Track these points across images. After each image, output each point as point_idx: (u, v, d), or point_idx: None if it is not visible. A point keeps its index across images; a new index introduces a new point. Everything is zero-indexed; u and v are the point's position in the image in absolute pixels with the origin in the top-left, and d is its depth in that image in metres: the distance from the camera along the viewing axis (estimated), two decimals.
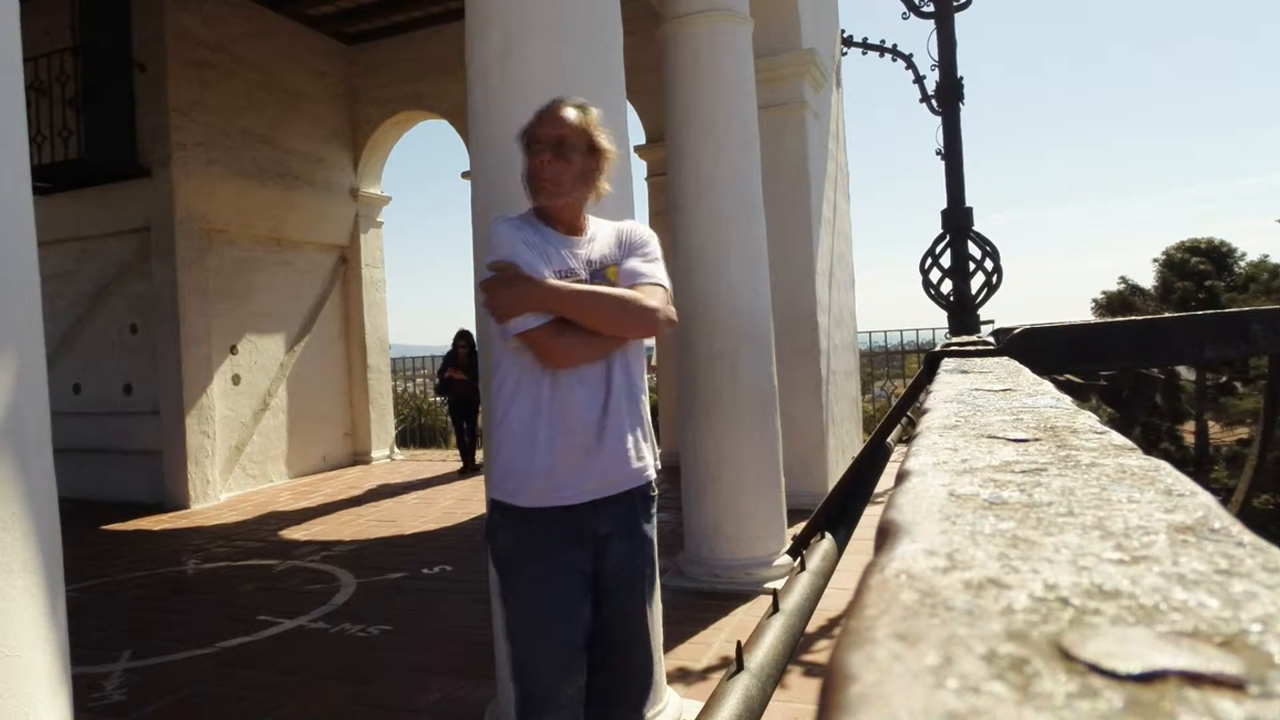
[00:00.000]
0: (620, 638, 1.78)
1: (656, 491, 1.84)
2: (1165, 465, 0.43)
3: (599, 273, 1.75)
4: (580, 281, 1.71)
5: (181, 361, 7.04)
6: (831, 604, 2.55)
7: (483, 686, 3.03)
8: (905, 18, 4.45)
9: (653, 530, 1.83)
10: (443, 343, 9.03)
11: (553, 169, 1.74)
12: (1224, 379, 17.13)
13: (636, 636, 1.80)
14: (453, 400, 8.66)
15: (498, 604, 1.94)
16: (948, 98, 4.03)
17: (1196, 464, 16.38)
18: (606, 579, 1.75)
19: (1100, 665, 0.21)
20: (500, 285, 1.65)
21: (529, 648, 1.69)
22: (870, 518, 0.96)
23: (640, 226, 1.89)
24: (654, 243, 1.86)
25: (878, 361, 10.54)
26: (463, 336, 8.51)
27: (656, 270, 1.80)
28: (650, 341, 2.15)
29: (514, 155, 2.50)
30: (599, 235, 1.82)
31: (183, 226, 7.12)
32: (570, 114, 1.77)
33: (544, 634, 1.68)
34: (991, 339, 1.95)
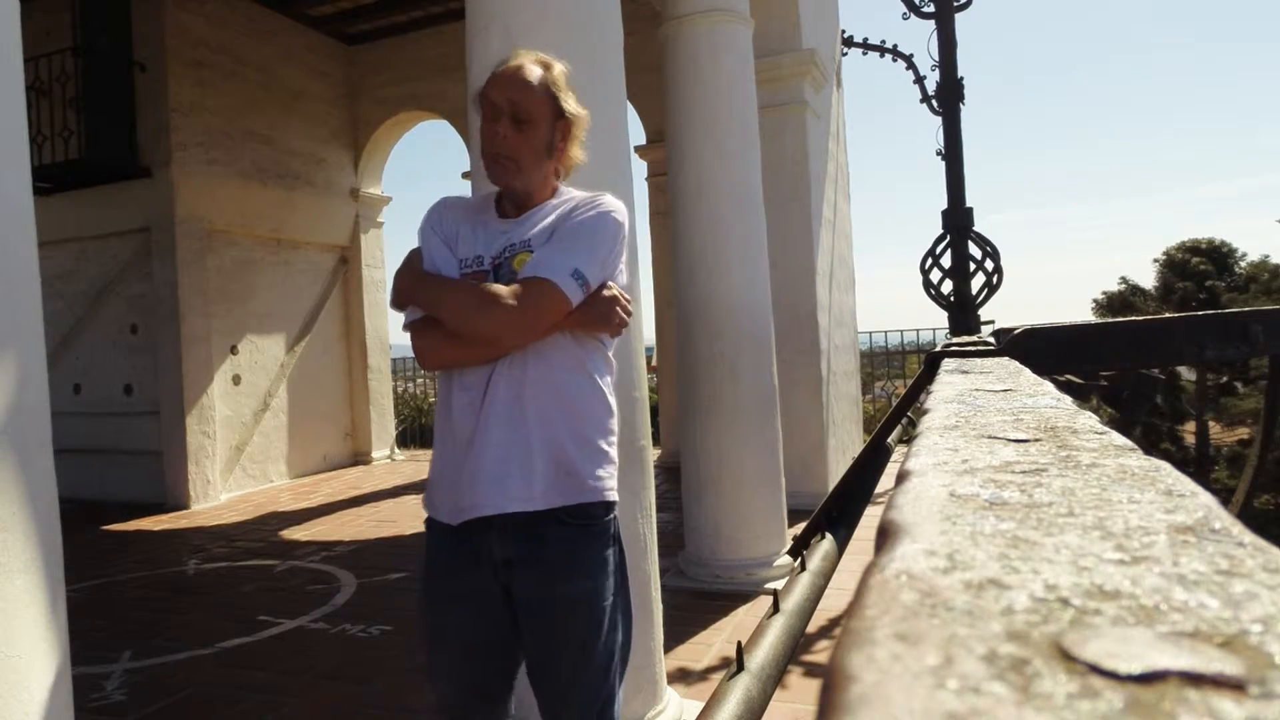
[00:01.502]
0: (546, 686, 1.49)
1: (605, 524, 1.49)
2: (1166, 466, 0.43)
3: (505, 262, 1.47)
4: (480, 273, 1.47)
5: (182, 361, 7.05)
6: (832, 604, 2.55)
7: None
8: (905, 18, 4.45)
9: (586, 561, 1.46)
10: None
11: (510, 142, 1.48)
12: (1224, 379, 17.13)
13: (562, 689, 1.48)
14: None
15: None
16: (948, 98, 4.03)
17: (1197, 464, 16.37)
18: (521, 615, 1.48)
19: (1101, 666, 0.21)
20: (397, 275, 1.54)
21: (431, 666, 1.57)
22: (870, 518, 0.96)
23: (599, 205, 1.51)
24: (599, 231, 1.48)
25: (878, 361, 10.53)
26: None
27: (561, 262, 1.42)
28: (650, 340, 2.02)
29: None
30: (543, 213, 1.51)
31: (183, 227, 7.12)
32: (533, 73, 1.49)
33: (432, 647, 1.55)
34: (992, 339, 1.95)
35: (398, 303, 1.52)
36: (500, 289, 1.40)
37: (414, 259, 1.54)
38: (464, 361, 1.46)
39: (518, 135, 1.48)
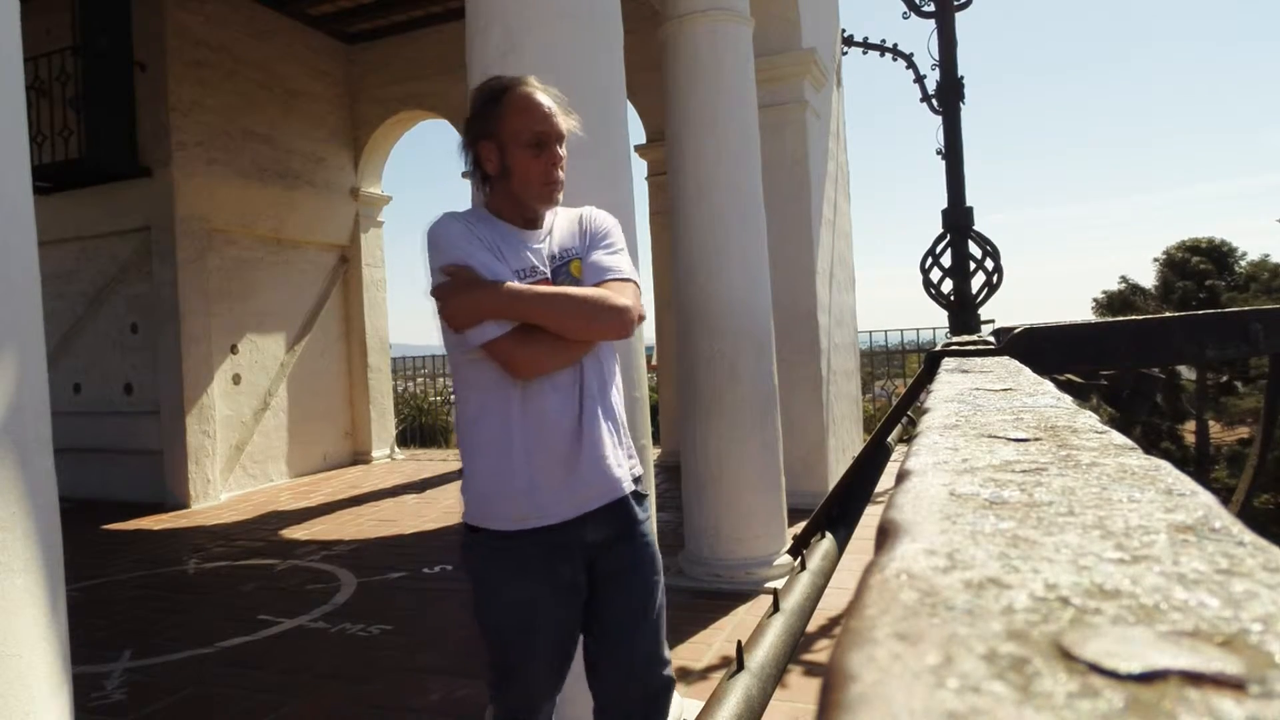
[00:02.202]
0: (634, 646, 1.63)
1: (647, 490, 1.73)
2: (1166, 465, 0.43)
3: (562, 268, 1.60)
4: (542, 280, 1.57)
5: (182, 361, 7.05)
6: (832, 604, 2.55)
7: (483, 686, 3.03)
8: (906, 17, 4.45)
9: (651, 528, 1.71)
10: (438, 341, 9.08)
11: (558, 170, 1.59)
12: (1225, 378, 17.13)
13: (652, 643, 1.66)
14: None
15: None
16: (948, 97, 4.03)
17: (1197, 463, 16.37)
18: (609, 588, 1.62)
19: (1101, 665, 0.21)
20: (455, 292, 1.50)
21: (507, 667, 1.59)
22: (870, 517, 0.96)
23: (599, 214, 1.73)
24: (616, 231, 1.70)
25: (878, 361, 10.54)
26: None
27: (622, 263, 1.64)
28: (650, 340, 2.05)
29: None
30: (557, 226, 1.66)
31: (183, 226, 7.12)
32: (551, 102, 1.61)
33: (523, 654, 1.57)
34: (992, 338, 1.95)
35: (467, 321, 1.49)
36: (602, 292, 1.55)
37: (470, 274, 1.51)
38: (565, 364, 1.54)
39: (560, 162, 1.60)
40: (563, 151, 1.60)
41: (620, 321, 1.54)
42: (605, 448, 1.58)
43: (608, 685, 1.65)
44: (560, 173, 1.59)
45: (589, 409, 1.57)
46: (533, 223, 1.63)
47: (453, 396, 9.86)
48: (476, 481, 1.57)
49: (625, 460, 1.63)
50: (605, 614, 1.63)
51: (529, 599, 1.55)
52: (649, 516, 1.70)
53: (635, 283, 1.62)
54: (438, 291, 1.53)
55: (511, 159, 1.57)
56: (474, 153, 1.63)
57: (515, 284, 1.53)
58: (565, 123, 1.60)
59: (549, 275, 1.58)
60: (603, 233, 1.67)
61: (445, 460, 9.44)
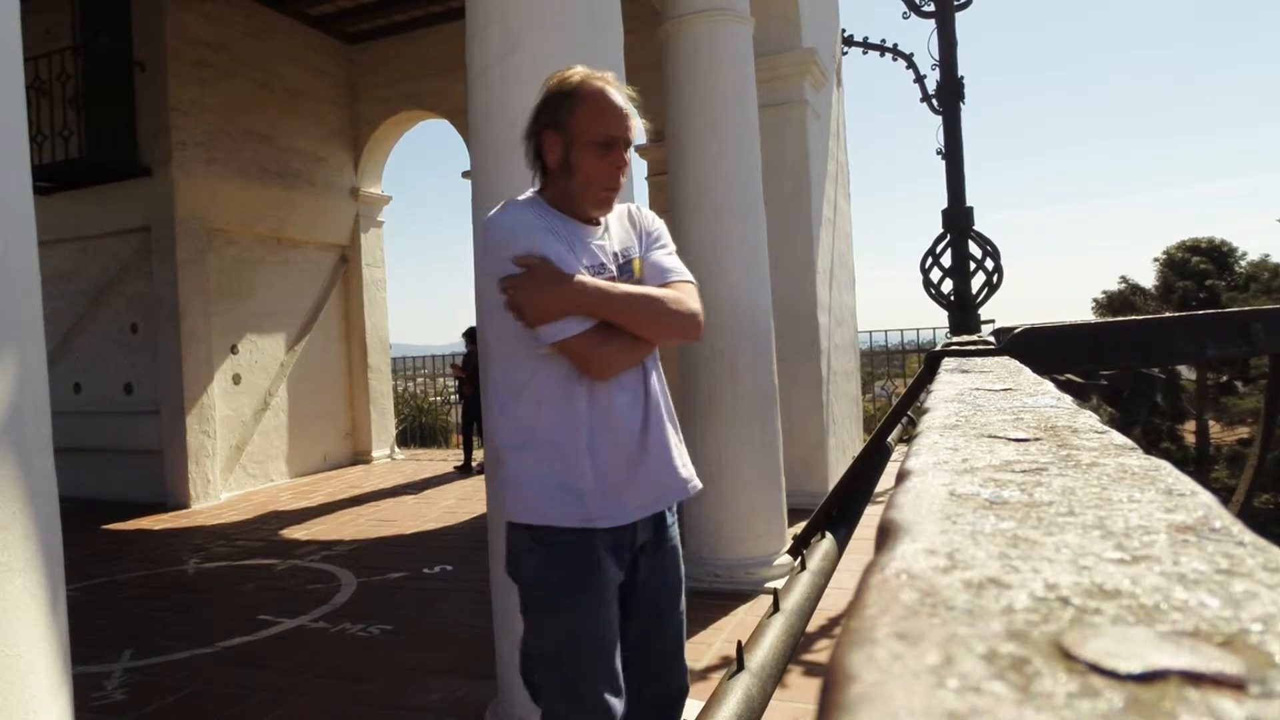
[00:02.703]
0: (657, 650, 1.61)
1: None
2: (1166, 465, 0.43)
3: (624, 267, 1.57)
4: (609, 278, 1.53)
5: (182, 361, 7.05)
6: (832, 604, 2.55)
7: (483, 686, 3.03)
8: (906, 17, 4.45)
9: (677, 531, 1.68)
10: (443, 343, 9.10)
11: (621, 175, 1.55)
12: (1225, 378, 17.12)
13: (674, 647, 1.64)
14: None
15: (514, 620, 1.70)
16: (948, 97, 4.03)
17: (1197, 463, 16.37)
18: (643, 590, 1.59)
19: (1101, 665, 0.21)
20: (534, 285, 1.43)
21: (580, 680, 1.48)
22: (870, 517, 0.96)
23: (647, 212, 1.70)
24: (665, 230, 1.69)
25: (878, 361, 10.54)
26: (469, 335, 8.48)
27: (680, 264, 1.63)
28: None
29: (515, 154, 2.51)
30: (611, 223, 1.62)
31: (183, 226, 7.12)
32: (625, 104, 1.56)
33: (596, 664, 1.48)
34: (992, 338, 1.95)
35: (546, 316, 1.43)
36: (675, 294, 1.54)
37: (549, 267, 1.45)
38: (632, 365, 1.53)
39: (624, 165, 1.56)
40: (627, 157, 1.56)
41: (694, 324, 1.55)
42: (672, 448, 1.58)
43: (626, 686, 1.59)
44: (622, 178, 1.56)
45: (654, 409, 1.56)
46: (589, 219, 1.60)
47: (454, 396, 9.86)
48: (536, 480, 1.49)
49: (688, 459, 1.63)
50: (633, 616, 1.59)
51: (590, 607, 1.49)
52: (675, 520, 1.69)
53: (695, 284, 1.62)
54: (514, 282, 1.45)
55: (577, 156, 1.52)
56: (536, 141, 1.57)
57: (598, 280, 1.48)
58: (634, 127, 1.57)
59: (615, 273, 1.55)
60: (656, 232, 1.66)
61: (445, 460, 9.44)
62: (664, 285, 1.56)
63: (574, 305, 1.44)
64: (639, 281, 1.57)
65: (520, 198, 1.59)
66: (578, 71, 1.57)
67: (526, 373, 1.51)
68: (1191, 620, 0.23)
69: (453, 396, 9.05)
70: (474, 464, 8.39)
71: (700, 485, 1.64)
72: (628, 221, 1.65)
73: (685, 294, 1.56)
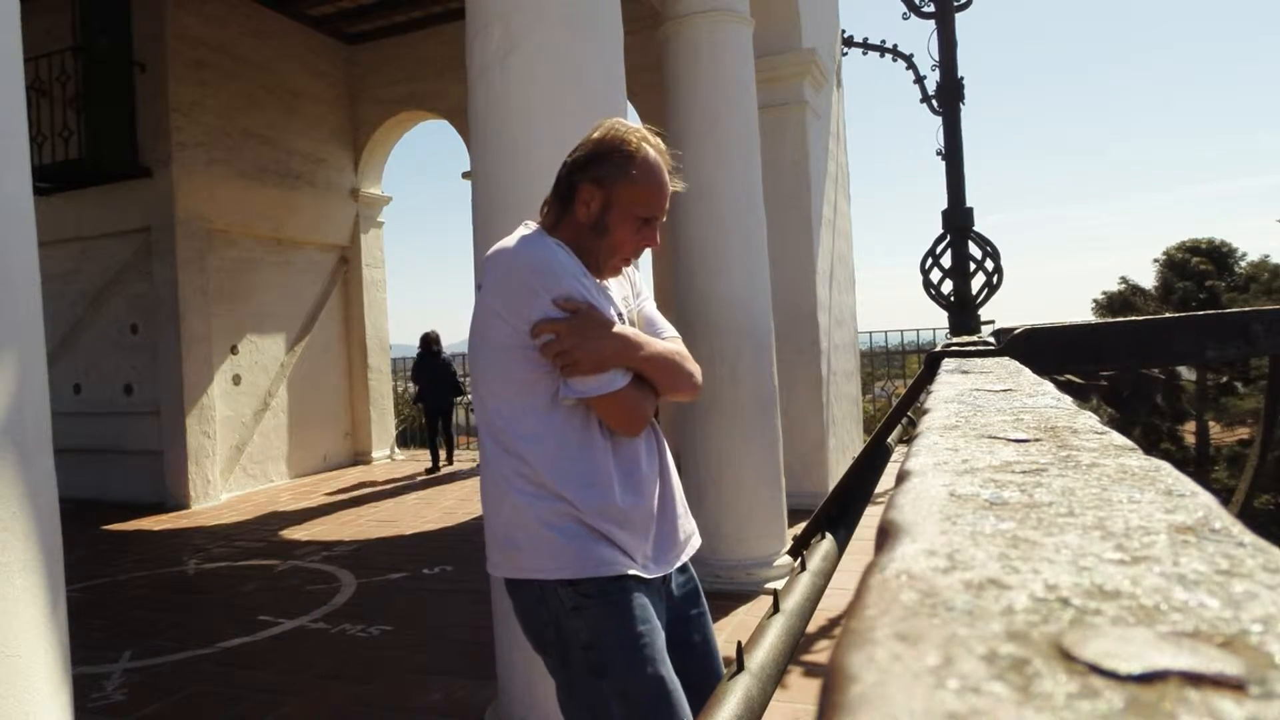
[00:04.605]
0: (710, 680, 1.51)
1: None
2: (1166, 465, 0.43)
3: (628, 315, 1.53)
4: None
5: (182, 361, 7.05)
6: (832, 604, 2.55)
7: (483, 686, 3.03)
8: (905, 18, 4.45)
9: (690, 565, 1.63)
10: (443, 343, 9.14)
11: (646, 247, 1.54)
12: (1225, 379, 17.12)
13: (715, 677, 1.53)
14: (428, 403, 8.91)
15: (514, 620, 1.57)
16: (948, 98, 4.03)
17: (1197, 464, 16.37)
18: (689, 628, 1.55)
19: (1101, 665, 0.21)
20: (592, 332, 1.36)
21: None
22: (870, 518, 0.96)
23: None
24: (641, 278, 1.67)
25: (878, 361, 10.53)
26: (425, 340, 8.84)
27: (663, 317, 1.62)
28: None
29: (515, 155, 2.51)
30: None
31: (183, 226, 7.12)
32: (669, 178, 1.53)
33: (675, 710, 1.36)
34: (992, 339, 1.95)
35: (595, 367, 1.36)
36: (684, 351, 1.54)
37: (599, 315, 1.39)
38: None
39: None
40: (657, 237, 1.54)
41: (697, 385, 1.54)
42: (683, 499, 1.56)
43: None
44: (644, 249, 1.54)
45: (665, 458, 1.54)
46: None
47: (416, 401, 9.82)
48: (570, 531, 1.38)
49: (689, 511, 1.60)
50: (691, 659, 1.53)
51: (660, 645, 1.40)
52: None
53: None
54: (565, 328, 1.35)
55: (614, 221, 1.46)
56: (572, 187, 1.48)
57: (642, 334, 1.46)
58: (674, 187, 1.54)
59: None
60: (639, 280, 1.64)
61: (445, 461, 9.44)
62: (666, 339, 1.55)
63: (626, 358, 1.39)
64: None
65: (531, 231, 1.49)
66: (637, 133, 1.51)
67: (538, 423, 1.40)
68: (1191, 621, 0.23)
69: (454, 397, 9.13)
70: (442, 466, 8.81)
71: (700, 541, 1.61)
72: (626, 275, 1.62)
73: (685, 351, 1.55)
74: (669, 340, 1.54)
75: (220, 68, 7.61)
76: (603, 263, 1.49)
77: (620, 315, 1.47)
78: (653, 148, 1.50)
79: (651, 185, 1.48)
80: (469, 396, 11.09)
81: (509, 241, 1.46)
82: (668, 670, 1.38)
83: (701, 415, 4.17)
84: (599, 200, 1.46)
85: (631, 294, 1.59)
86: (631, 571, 1.39)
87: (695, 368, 1.54)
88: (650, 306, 1.61)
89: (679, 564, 1.52)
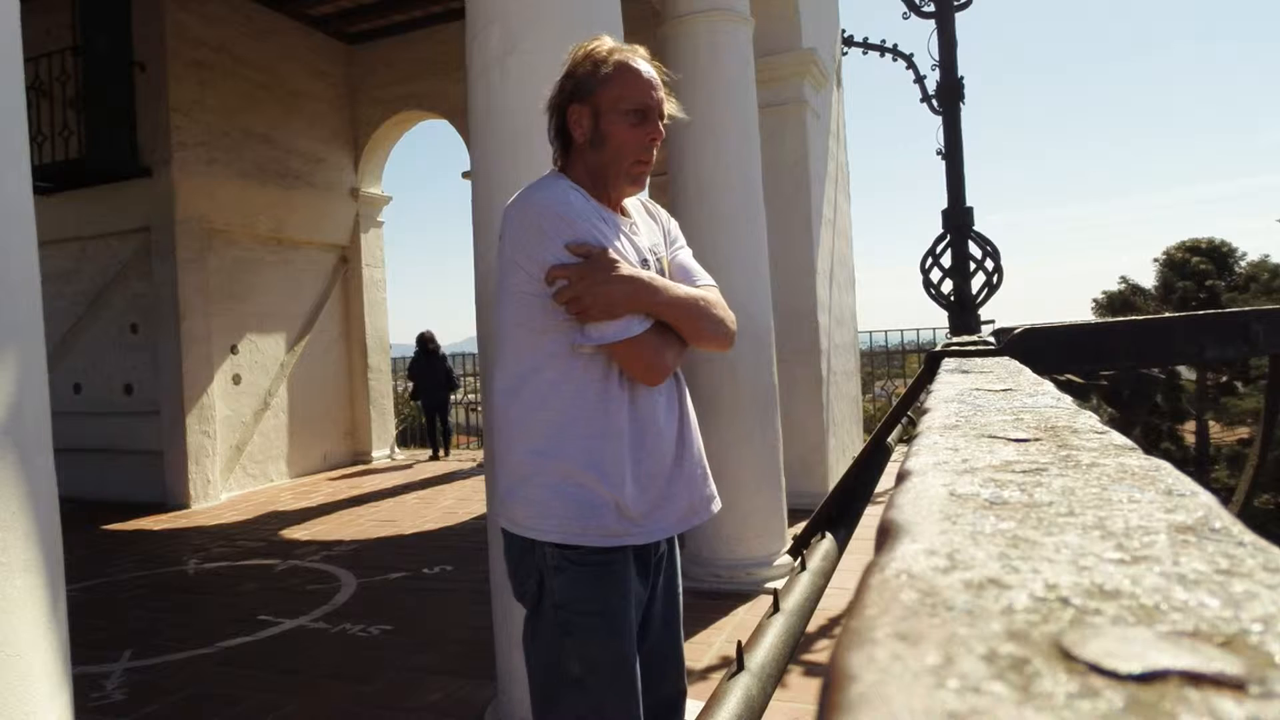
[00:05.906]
0: (660, 656, 1.52)
1: None
2: (1166, 465, 0.43)
3: (662, 260, 1.48)
4: (660, 272, 1.44)
5: (182, 361, 7.05)
6: (832, 604, 2.55)
7: (483, 686, 3.03)
8: (906, 18, 4.45)
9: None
10: (443, 343, 9.25)
11: (655, 147, 1.45)
12: (1225, 379, 17.12)
13: (676, 652, 1.56)
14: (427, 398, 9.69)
15: (514, 621, 1.57)
16: (948, 97, 4.03)
17: (1197, 464, 16.37)
18: (656, 601, 1.51)
19: (1101, 665, 0.21)
20: (602, 276, 1.30)
21: (607, 700, 1.38)
22: (870, 518, 0.96)
23: (660, 207, 1.62)
24: (679, 228, 1.60)
25: (878, 361, 10.54)
26: (422, 340, 9.66)
27: (700, 267, 1.54)
28: None
29: (515, 154, 2.51)
30: (635, 216, 1.52)
31: (183, 226, 7.12)
32: (657, 76, 1.47)
33: (624, 683, 1.38)
34: (992, 339, 1.95)
35: (610, 313, 1.31)
36: (716, 297, 1.47)
37: (614, 260, 1.33)
38: (676, 368, 1.44)
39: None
40: (662, 128, 1.46)
41: (731, 334, 1.47)
42: (702, 459, 1.48)
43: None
44: (655, 151, 1.46)
45: (687, 414, 1.47)
46: (617, 203, 1.49)
47: (413, 399, 10.03)
48: (568, 493, 1.35)
49: (710, 474, 1.52)
50: (647, 625, 1.52)
51: (628, 621, 1.39)
52: None
53: (717, 288, 1.53)
54: (575, 272, 1.31)
55: (608, 126, 1.42)
56: (560, 116, 1.46)
57: (663, 279, 1.39)
58: (668, 101, 1.48)
59: (660, 269, 1.46)
60: (675, 230, 1.58)
61: (445, 460, 9.46)
62: (701, 287, 1.49)
63: (641, 303, 1.33)
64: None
65: (547, 175, 1.47)
66: (605, 41, 1.48)
67: (557, 372, 1.36)
68: (1191, 621, 0.23)
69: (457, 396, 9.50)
70: (441, 452, 9.55)
71: (720, 505, 1.53)
72: (648, 215, 1.56)
73: (720, 300, 1.48)
74: (701, 288, 1.46)
75: (220, 67, 7.61)
76: (617, 174, 1.44)
77: (646, 261, 1.42)
78: (627, 48, 1.48)
79: (629, 76, 1.44)
80: (464, 394, 11.30)
81: (525, 190, 1.44)
82: (630, 646, 1.39)
83: (701, 415, 4.15)
84: (587, 114, 1.43)
85: (664, 241, 1.53)
86: (621, 544, 1.37)
87: (727, 314, 1.46)
88: (685, 255, 1.54)
89: (689, 526, 1.46)
